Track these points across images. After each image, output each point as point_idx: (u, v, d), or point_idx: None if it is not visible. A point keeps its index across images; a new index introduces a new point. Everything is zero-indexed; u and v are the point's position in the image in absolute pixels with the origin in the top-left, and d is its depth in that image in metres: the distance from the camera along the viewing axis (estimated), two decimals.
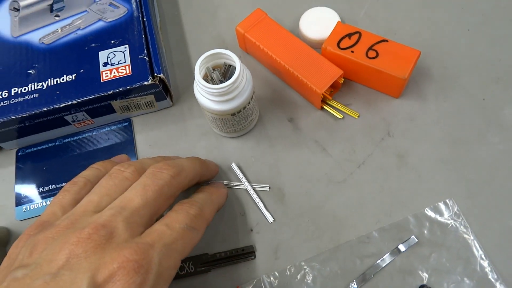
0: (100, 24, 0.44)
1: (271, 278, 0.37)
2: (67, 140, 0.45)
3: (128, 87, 0.40)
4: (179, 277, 0.37)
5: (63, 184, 0.43)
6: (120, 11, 0.45)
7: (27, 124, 0.42)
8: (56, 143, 0.45)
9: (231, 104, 0.37)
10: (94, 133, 0.45)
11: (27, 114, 0.40)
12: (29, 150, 0.45)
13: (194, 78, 0.36)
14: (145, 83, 0.40)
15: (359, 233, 0.38)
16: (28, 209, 0.42)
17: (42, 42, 0.44)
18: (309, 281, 0.36)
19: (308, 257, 0.37)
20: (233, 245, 0.38)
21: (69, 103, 0.40)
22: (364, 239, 0.38)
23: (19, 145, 0.45)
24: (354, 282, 0.36)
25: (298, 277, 0.37)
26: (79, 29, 0.44)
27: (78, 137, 0.45)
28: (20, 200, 0.43)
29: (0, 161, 0.45)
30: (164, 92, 0.43)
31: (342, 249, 0.37)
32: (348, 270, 0.37)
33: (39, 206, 0.42)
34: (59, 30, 0.44)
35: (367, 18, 0.48)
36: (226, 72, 0.38)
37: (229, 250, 0.38)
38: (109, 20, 0.44)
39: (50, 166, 0.44)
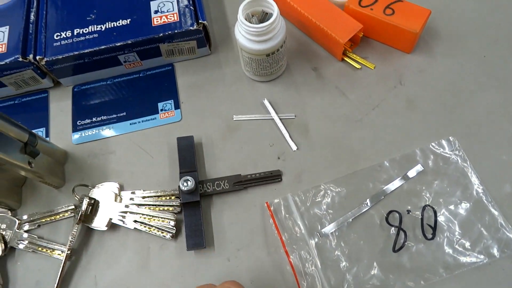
0: None
1: (296, 197, 0.43)
2: (117, 80, 0.51)
3: (175, 31, 0.46)
4: (216, 193, 0.43)
5: (114, 115, 0.49)
6: None
7: (86, 60, 0.48)
8: (108, 82, 0.51)
9: (267, 44, 0.43)
10: (141, 75, 0.51)
11: (88, 51, 0.46)
12: (84, 87, 0.51)
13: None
14: (191, 28, 0.47)
15: (372, 163, 0.44)
16: (81, 135, 0.48)
17: None
18: (328, 200, 0.42)
19: (328, 181, 0.43)
20: (263, 170, 0.44)
21: (125, 42, 0.46)
22: (377, 167, 0.43)
23: (75, 82, 0.51)
24: (368, 201, 0.42)
25: (319, 196, 0.43)
26: None
27: (128, 77, 0.51)
28: (76, 128, 0.49)
29: (60, 95, 0.51)
30: (205, 39, 0.49)
31: (357, 175, 0.43)
32: (362, 192, 0.42)
33: (92, 133, 0.48)
34: None
35: None
36: (263, 19, 0.44)
37: (259, 172, 0.44)
38: None
39: (102, 101, 0.50)
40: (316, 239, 0.40)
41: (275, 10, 0.41)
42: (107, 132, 0.48)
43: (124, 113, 0.49)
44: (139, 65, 0.51)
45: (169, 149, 0.47)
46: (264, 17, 0.44)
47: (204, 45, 0.50)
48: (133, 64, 0.50)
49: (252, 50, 0.43)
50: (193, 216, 0.42)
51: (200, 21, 0.47)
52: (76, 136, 0.48)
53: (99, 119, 0.49)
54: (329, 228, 0.41)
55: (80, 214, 0.42)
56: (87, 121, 0.49)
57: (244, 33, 0.42)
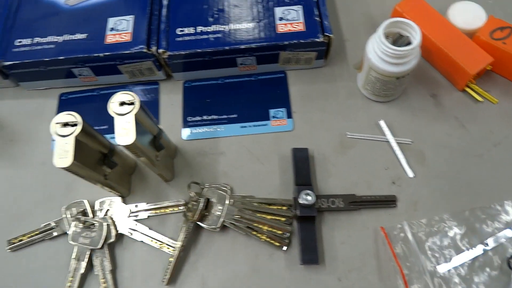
0: None
1: (413, 226, 0.42)
2: (228, 80, 0.51)
3: (301, 41, 0.46)
4: (330, 210, 0.43)
5: (225, 116, 0.49)
6: None
7: (205, 59, 0.48)
8: (219, 81, 0.51)
9: (401, 67, 0.42)
10: (252, 78, 0.51)
11: (210, 50, 0.47)
12: (195, 84, 0.52)
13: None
14: (316, 39, 0.46)
15: (492, 201, 0.43)
16: (192, 132, 0.49)
17: None
18: (446, 235, 0.41)
19: (445, 214, 0.42)
20: (376, 193, 0.44)
21: (249, 46, 0.46)
22: (497, 207, 0.42)
23: (186, 77, 0.52)
24: (488, 241, 0.41)
25: (436, 229, 0.42)
26: None
27: (240, 79, 0.51)
28: (186, 123, 0.49)
29: (170, 88, 0.52)
30: (325, 52, 0.49)
31: (476, 212, 0.42)
32: (481, 231, 0.41)
33: (202, 131, 0.49)
34: None
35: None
36: (396, 40, 0.44)
37: (373, 195, 0.44)
38: None
39: (213, 99, 0.50)
40: (435, 275, 0.40)
41: (418, 34, 0.41)
42: (218, 132, 0.48)
43: (236, 115, 0.49)
44: (253, 69, 0.51)
45: (280, 158, 0.47)
46: (397, 39, 0.44)
47: (322, 57, 0.49)
48: (248, 67, 0.50)
49: (384, 71, 0.43)
50: (308, 231, 0.42)
51: (326, 33, 0.46)
52: (186, 132, 0.49)
53: (209, 117, 0.49)
54: (448, 266, 0.40)
55: (198, 212, 0.42)
56: (198, 118, 0.49)
57: (380, 53, 0.42)
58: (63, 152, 0.34)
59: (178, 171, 0.47)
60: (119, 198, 0.45)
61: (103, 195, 0.46)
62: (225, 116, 0.49)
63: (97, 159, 0.40)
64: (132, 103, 0.35)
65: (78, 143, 0.35)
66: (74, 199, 0.46)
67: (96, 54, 0.47)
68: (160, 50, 0.47)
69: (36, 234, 0.44)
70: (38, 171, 0.48)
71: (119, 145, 0.35)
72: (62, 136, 0.35)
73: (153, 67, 0.49)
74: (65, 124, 0.35)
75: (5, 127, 0.51)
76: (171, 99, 0.51)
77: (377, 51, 0.42)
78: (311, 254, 0.41)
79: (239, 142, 0.48)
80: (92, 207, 0.45)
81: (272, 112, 0.49)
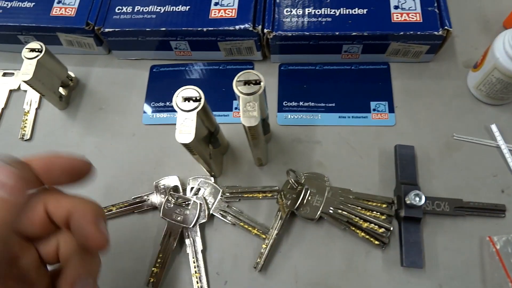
0: None
1: None
2: (327, 67, 0.49)
3: (417, 33, 0.43)
4: (434, 213, 0.41)
5: (322, 104, 0.47)
6: None
7: (310, 43, 0.46)
8: (317, 67, 0.49)
9: None
10: (353, 67, 0.49)
11: (319, 34, 0.44)
12: (291, 67, 0.50)
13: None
14: (435, 32, 0.43)
15: None
16: (287, 117, 0.47)
17: None
18: None
19: None
20: (483, 200, 0.41)
21: (360, 33, 0.44)
22: None
23: (282, 60, 0.50)
24: None
25: None
26: None
27: (339, 67, 0.49)
28: (281, 108, 0.48)
29: (265, 70, 0.50)
30: (438, 46, 0.46)
31: None
32: None
33: (298, 117, 0.47)
34: None
35: None
36: None
37: (482, 202, 0.41)
38: None
39: (310, 85, 0.48)
40: None
41: None
42: (314, 120, 0.47)
43: (333, 104, 0.47)
44: (355, 58, 0.48)
45: (380, 153, 0.45)
46: None
47: (433, 51, 0.46)
48: (351, 55, 0.48)
49: None
50: (413, 233, 0.40)
51: (445, 27, 0.44)
52: (281, 116, 0.47)
53: (306, 104, 0.48)
54: None
55: (298, 201, 0.41)
56: (294, 103, 0.48)
57: None
58: (185, 128, 0.33)
59: (272, 157, 0.46)
60: (211, 178, 0.44)
61: (193, 173, 0.45)
62: (322, 104, 0.47)
63: (205, 137, 0.39)
64: (198, 100, 0.34)
65: (197, 119, 0.34)
66: (163, 173, 0.45)
67: (200, 28, 0.45)
68: (266, 30, 0.45)
69: (126, 206, 0.44)
70: (128, 143, 0.48)
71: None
72: (184, 110, 0.33)
73: (253, 46, 0.47)
74: (187, 99, 0.34)
75: (94, 94, 0.51)
76: (266, 82, 0.48)
77: (509, 51, 0.39)
78: (415, 257, 0.39)
79: (336, 132, 0.46)
80: (183, 184, 0.45)
81: (373, 104, 0.47)
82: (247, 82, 0.34)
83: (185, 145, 0.33)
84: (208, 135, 0.39)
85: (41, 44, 0.44)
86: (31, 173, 0.25)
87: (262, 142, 0.38)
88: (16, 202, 0.24)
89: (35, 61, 0.44)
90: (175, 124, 0.33)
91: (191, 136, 0.33)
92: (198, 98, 0.34)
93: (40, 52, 0.44)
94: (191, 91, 0.34)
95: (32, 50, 0.44)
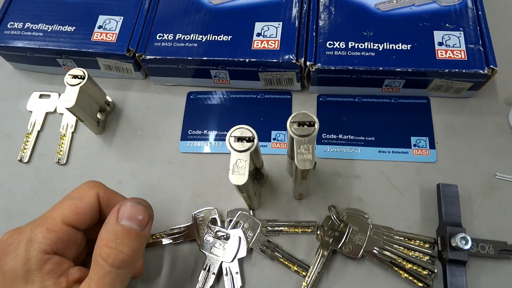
0: (434, 5, 0.47)
1: None
2: (366, 100, 0.49)
3: (463, 71, 0.43)
4: (478, 255, 0.40)
5: (362, 137, 0.47)
6: None
7: (352, 76, 0.46)
8: (356, 100, 0.49)
9: None
10: (392, 101, 0.49)
11: (362, 68, 0.44)
12: (330, 99, 0.49)
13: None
14: (480, 71, 0.43)
15: None
16: (327, 150, 0.47)
17: (378, 8, 0.47)
18: None
19: None
20: None
21: (404, 69, 0.44)
22: None
23: (320, 91, 0.50)
24: None
25: None
26: (413, 5, 0.47)
27: (378, 100, 0.49)
28: (320, 140, 0.47)
29: (303, 100, 0.50)
30: (479, 84, 0.45)
31: None
32: None
33: (337, 151, 0.47)
34: (395, 1, 0.48)
35: None
36: None
37: None
38: (443, 4, 0.47)
39: (349, 118, 0.48)
40: None
41: None
42: (353, 153, 0.46)
43: (373, 138, 0.47)
44: (396, 91, 0.48)
45: (421, 190, 0.44)
46: None
47: (476, 88, 0.46)
48: (392, 89, 0.48)
49: None
50: (458, 277, 0.39)
51: (491, 66, 0.43)
52: (320, 149, 0.47)
53: (345, 137, 0.47)
54: None
55: (342, 241, 0.40)
56: (333, 136, 0.47)
57: None
58: (238, 168, 0.33)
59: (312, 191, 0.45)
60: (249, 211, 0.44)
61: (231, 203, 0.45)
62: (362, 138, 0.47)
63: (252, 173, 0.38)
64: (252, 140, 0.34)
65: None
66: (200, 204, 0.45)
67: (242, 59, 0.45)
68: (308, 63, 0.45)
69: (162, 237, 0.44)
70: (164, 170, 0.47)
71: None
72: (238, 151, 0.33)
73: (294, 78, 0.47)
74: (240, 139, 0.34)
75: (131, 119, 0.51)
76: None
77: None
78: None
79: (376, 167, 0.46)
80: (220, 216, 0.44)
81: (413, 140, 0.46)
82: (301, 124, 0.33)
83: (238, 186, 0.33)
84: (254, 170, 0.39)
85: (84, 71, 0.44)
86: (152, 210, 0.34)
87: (308, 181, 0.38)
88: (146, 234, 0.33)
89: (77, 88, 0.44)
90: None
91: (245, 177, 0.32)
92: (251, 138, 0.34)
93: (83, 79, 0.44)
94: (245, 130, 0.34)
95: (75, 76, 0.44)
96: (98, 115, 0.49)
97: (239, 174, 0.32)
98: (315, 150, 0.46)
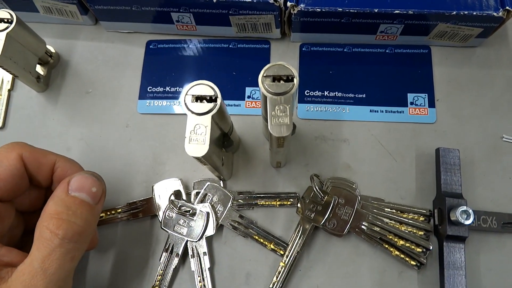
0: None
1: None
2: (357, 49, 0.42)
3: (474, 13, 0.36)
4: (481, 229, 0.35)
5: (351, 94, 0.40)
6: None
7: (343, 20, 0.38)
8: (345, 49, 0.42)
9: None
10: (387, 51, 0.42)
11: (354, 10, 0.37)
12: (314, 48, 0.42)
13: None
14: (494, 13, 0.36)
15: None
16: (310, 109, 0.40)
17: None
18: None
19: None
20: None
21: (403, 11, 0.36)
22: None
23: (303, 39, 0.42)
24: None
25: None
26: None
27: (371, 50, 0.42)
28: (303, 98, 0.40)
29: (283, 50, 0.42)
30: (490, 30, 0.38)
31: None
32: None
33: (322, 110, 0.40)
34: None
35: None
36: None
37: None
38: None
39: (337, 71, 0.41)
40: None
41: None
42: (341, 113, 0.40)
43: (364, 95, 0.40)
44: (392, 39, 0.41)
45: (418, 155, 0.38)
46: None
47: (486, 36, 0.39)
48: (388, 36, 0.40)
49: None
50: (456, 255, 0.34)
51: (506, 7, 0.36)
52: (302, 108, 0.40)
53: (332, 94, 0.40)
54: None
55: (325, 216, 0.35)
56: (317, 93, 0.40)
57: None
58: (196, 136, 0.26)
59: (293, 157, 0.39)
60: (220, 182, 0.38)
61: (198, 173, 0.39)
62: (351, 95, 0.40)
63: (218, 139, 0.32)
64: (213, 99, 0.27)
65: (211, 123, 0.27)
66: (162, 173, 0.39)
67: None
68: (289, 3, 0.37)
69: (119, 213, 0.38)
70: (120, 135, 0.40)
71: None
72: (196, 113, 0.26)
73: (272, 22, 0.39)
74: (199, 98, 0.27)
75: (79, 74, 0.43)
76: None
77: None
78: (458, 284, 0.34)
79: (367, 129, 0.39)
80: (186, 188, 0.38)
81: (410, 97, 0.40)
82: (276, 78, 0.26)
83: (197, 158, 0.26)
84: (220, 136, 0.32)
85: (11, 13, 0.36)
86: (104, 185, 0.30)
87: (287, 148, 0.31)
88: (99, 211, 0.29)
89: (3, 34, 0.35)
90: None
91: (205, 147, 0.26)
92: (213, 97, 0.26)
93: (10, 23, 0.35)
94: (205, 88, 0.26)
95: (0, 21, 0.35)
96: (39, 69, 0.41)
97: (198, 143, 0.26)
98: (294, 112, 0.40)
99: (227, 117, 0.31)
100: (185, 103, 0.26)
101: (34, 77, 0.40)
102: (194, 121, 0.26)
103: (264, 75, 0.26)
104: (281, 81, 0.26)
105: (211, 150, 0.27)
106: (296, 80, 0.26)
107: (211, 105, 0.26)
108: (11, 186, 0.28)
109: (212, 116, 0.26)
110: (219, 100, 0.26)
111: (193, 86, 0.27)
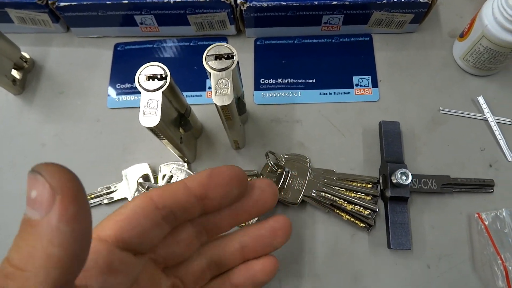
0: None
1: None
2: (306, 41, 0.46)
3: (402, 0, 0.41)
4: (421, 191, 0.39)
5: (302, 80, 0.44)
6: None
7: (288, 14, 0.42)
8: (295, 41, 0.46)
9: None
10: (333, 40, 0.46)
11: (298, 4, 0.41)
12: (268, 42, 0.46)
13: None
14: (420, 0, 0.41)
15: None
16: (266, 96, 0.44)
17: None
18: None
19: None
20: (470, 175, 0.40)
21: (340, 2, 0.41)
22: None
23: (258, 34, 0.46)
24: None
25: None
26: None
27: (319, 40, 0.46)
28: (258, 86, 0.44)
29: (240, 45, 0.46)
30: (421, 15, 0.43)
31: None
32: None
33: (276, 96, 0.44)
34: None
35: None
36: None
37: (469, 178, 0.39)
38: None
39: (288, 61, 0.45)
40: None
41: None
42: (294, 97, 0.44)
43: (314, 80, 0.44)
44: (336, 30, 0.45)
45: (364, 131, 0.42)
46: None
47: (417, 21, 0.44)
48: (332, 27, 0.45)
49: (502, 41, 0.37)
50: (399, 213, 0.38)
51: None
52: (258, 95, 0.44)
53: (284, 81, 0.44)
54: None
55: (278, 186, 0.38)
56: (272, 81, 0.44)
57: (502, 20, 0.36)
58: (149, 109, 0.30)
59: (250, 138, 0.43)
60: (185, 164, 0.41)
61: (165, 159, 0.42)
62: (302, 81, 0.44)
63: (175, 120, 0.35)
64: (164, 78, 0.30)
65: (163, 99, 0.30)
66: (132, 161, 0.42)
67: (166, 0, 0.41)
68: (239, 1, 0.41)
69: (92, 198, 0.41)
70: (92, 129, 0.44)
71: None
72: (148, 90, 0.30)
73: (226, 19, 0.43)
74: (151, 77, 0.30)
75: (53, 77, 0.46)
76: (241, 58, 0.45)
77: (498, 17, 0.36)
78: (403, 238, 0.37)
79: (317, 110, 0.43)
80: (154, 172, 0.41)
81: (355, 79, 0.44)
82: (218, 57, 0.30)
83: (151, 129, 0.30)
84: (177, 117, 0.36)
85: None
86: (72, 175, 0.17)
87: (237, 123, 0.35)
88: (53, 221, 0.16)
89: None
90: None
91: (157, 118, 0.29)
92: (163, 75, 0.30)
93: None
94: (155, 68, 0.30)
95: None
96: (15, 74, 0.45)
97: (151, 115, 0.29)
98: (251, 99, 0.43)
99: (181, 98, 0.34)
100: (139, 82, 0.30)
101: (10, 80, 0.43)
102: (147, 97, 0.30)
103: (207, 54, 0.30)
104: (223, 59, 0.30)
105: (165, 124, 0.31)
106: (235, 57, 0.30)
107: (161, 82, 0.30)
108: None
109: (164, 92, 0.30)
110: (168, 77, 0.30)
111: (146, 67, 0.30)
